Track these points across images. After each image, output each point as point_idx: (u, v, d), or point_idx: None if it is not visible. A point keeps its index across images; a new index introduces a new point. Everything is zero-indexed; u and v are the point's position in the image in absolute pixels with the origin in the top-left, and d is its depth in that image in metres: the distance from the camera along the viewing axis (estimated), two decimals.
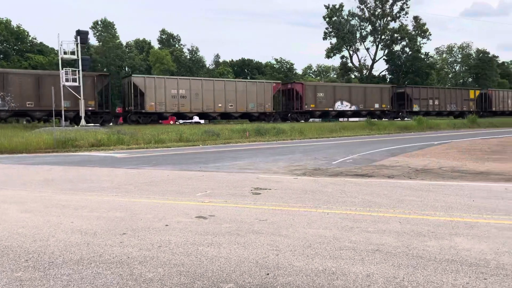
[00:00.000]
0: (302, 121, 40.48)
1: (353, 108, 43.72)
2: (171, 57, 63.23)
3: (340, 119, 45.17)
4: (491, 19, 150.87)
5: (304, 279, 3.72)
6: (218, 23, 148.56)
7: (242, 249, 4.58)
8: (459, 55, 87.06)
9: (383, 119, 43.76)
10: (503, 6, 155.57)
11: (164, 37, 71.25)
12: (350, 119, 46.49)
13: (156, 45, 71.32)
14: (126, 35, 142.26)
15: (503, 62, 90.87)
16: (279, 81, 44.82)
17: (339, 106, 42.88)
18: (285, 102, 42.96)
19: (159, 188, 8.70)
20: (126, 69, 66.08)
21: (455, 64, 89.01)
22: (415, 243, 4.70)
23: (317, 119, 45.64)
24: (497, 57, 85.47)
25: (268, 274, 3.86)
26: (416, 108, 47.71)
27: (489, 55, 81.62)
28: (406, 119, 45.73)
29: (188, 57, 68.94)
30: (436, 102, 49.26)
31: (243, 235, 5.10)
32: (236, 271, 3.93)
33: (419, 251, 4.42)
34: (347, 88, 45.16)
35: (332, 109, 42.47)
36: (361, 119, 45.21)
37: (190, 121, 39.29)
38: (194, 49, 69.79)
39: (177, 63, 64.19)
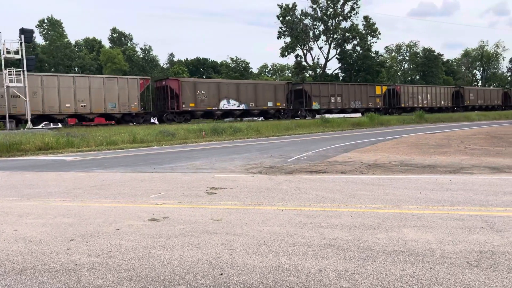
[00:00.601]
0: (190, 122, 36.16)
1: (242, 107, 39.58)
2: (123, 56, 61.64)
3: (227, 119, 39.85)
4: (436, 19, 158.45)
5: (258, 277, 3.71)
6: (171, 22, 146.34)
7: (196, 250, 4.52)
8: (407, 54, 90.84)
9: (280, 120, 38.98)
10: (447, 5, 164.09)
11: (115, 35, 69.30)
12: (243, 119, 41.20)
13: (107, 44, 69.33)
14: (75, 34, 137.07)
15: (448, 60, 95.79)
16: (148, 77, 39.12)
17: (225, 105, 38.56)
18: (161, 101, 37.87)
19: (110, 192, 8.42)
20: (76, 69, 63.79)
21: (403, 62, 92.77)
22: (366, 236, 4.82)
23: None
24: (442, 55, 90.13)
25: (221, 274, 3.83)
26: (316, 106, 44.14)
27: (435, 54, 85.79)
28: (307, 118, 41.87)
29: (141, 56, 67.50)
30: (339, 99, 46.12)
31: (197, 236, 5.03)
32: (189, 273, 3.87)
33: (369, 244, 4.54)
34: (235, 85, 40.23)
35: (216, 108, 38.01)
36: (254, 118, 41.01)
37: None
38: (147, 48, 68.48)
39: (129, 63, 62.67)
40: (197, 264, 4.10)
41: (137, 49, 68.48)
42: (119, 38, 69.16)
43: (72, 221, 5.96)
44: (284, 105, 42.36)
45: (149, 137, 23.97)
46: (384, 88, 51.49)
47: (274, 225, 5.44)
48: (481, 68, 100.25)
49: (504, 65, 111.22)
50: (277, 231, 5.13)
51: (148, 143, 22.72)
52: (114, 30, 69.63)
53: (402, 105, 51.28)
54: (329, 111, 45.01)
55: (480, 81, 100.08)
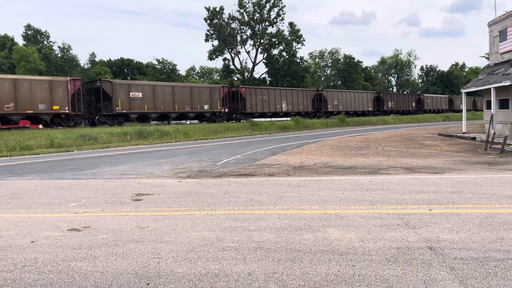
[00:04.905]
0: None
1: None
2: (39, 55, 57.60)
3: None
4: (355, 27, 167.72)
5: (186, 285, 3.64)
6: (91, 20, 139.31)
7: (121, 260, 4.32)
8: (330, 60, 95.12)
9: (64, 127, 28.98)
10: (365, 15, 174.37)
11: (30, 33, 64.61)
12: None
13: (20, 41, 64.38)
14: None
15: (366, 67, 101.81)
16: None
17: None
18: None
19: (25, 201, 7.79)
20: None
21: (326, 68, 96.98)
22: (293, 238, 4.93)
23: None
24: (361, 62, 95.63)
25: (148, 284, 3.69)
26: (119, 109, 31.51)
27: (354, 60, 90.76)
28: (106, 124, 31.50)
29: (60, 55, 63.56)
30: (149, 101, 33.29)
31: (121, 246, 4.81)
32: (113, 285, 3.68)
33: (296, 245, 4.65)
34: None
35: None
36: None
37: None
38: (66, 46, 64.65)
39: (46, 62, 58.72)
40: (121, 275, 3.92)
41: (55, 47, 64.40)
42: (35, 36, 64.59)
43: None
44: (67, 108, 28.83)
45: (69, 141, 22.60)
46: (226, 91, 40.17)
47: (203, 230, 5.38)
48: (396, 75, 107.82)
49: (415, 72, 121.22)
50: (206, 237, 5.08)
51: (68, 147, 21.41)
52: (28, 27, 64.93)
53: (247, 110, 42.02)
54: (144, 117, 34.08)
55: (395, 87, 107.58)
